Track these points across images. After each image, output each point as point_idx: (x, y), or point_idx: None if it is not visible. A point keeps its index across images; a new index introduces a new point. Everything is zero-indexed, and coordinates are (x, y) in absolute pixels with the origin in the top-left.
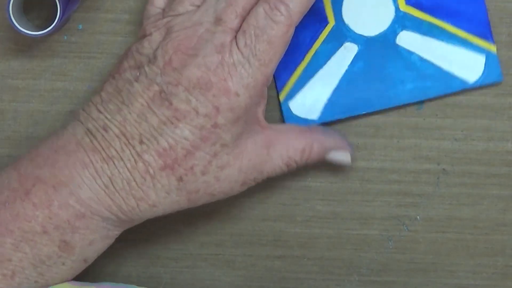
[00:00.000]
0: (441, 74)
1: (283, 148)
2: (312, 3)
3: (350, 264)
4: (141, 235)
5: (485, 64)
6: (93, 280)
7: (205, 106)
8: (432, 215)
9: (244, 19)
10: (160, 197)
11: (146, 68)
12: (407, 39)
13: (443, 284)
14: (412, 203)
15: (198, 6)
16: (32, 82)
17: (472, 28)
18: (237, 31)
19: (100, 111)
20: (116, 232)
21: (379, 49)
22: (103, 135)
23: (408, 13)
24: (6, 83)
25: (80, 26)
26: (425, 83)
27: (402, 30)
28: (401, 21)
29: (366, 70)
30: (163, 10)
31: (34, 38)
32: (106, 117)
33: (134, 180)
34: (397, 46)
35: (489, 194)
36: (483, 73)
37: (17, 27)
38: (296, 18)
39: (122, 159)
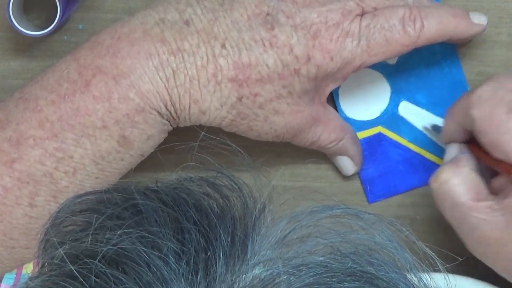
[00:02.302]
0: None
1: (319, 132)
2: (439, 41)
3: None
4: None
5: None
6: None
7: (301, 49)
8: (432, 215)
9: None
10: (213, 106)
11: None
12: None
13: None
14: (412, 203)
15: None
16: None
17: None
18: (364, 13)
19: (190, 4)
20: (170, 128)
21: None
22: (181, 28)
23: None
24: (6, 83)
25: (80, 26)
26: None
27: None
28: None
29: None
30: None
31: (34, 38)
32: (195, 12)
33: (198, 80)
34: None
35: None
36: None
37: (17, 27)
38: (421, 42)
39: (194, 54)
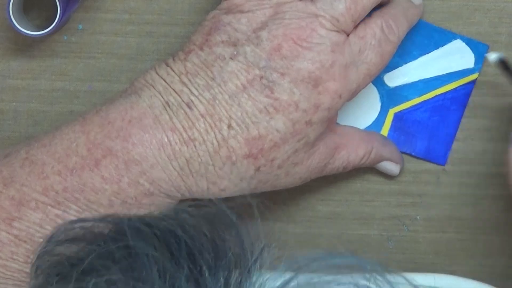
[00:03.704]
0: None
1: (346, 153)
2: (412, 24)
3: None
4: None
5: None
6: None
7: (307, 101)
8: (432, 215)
9: (355, 26)
10: (232, 183)
11: (247, 48)
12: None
13: None
14: (412, 203)
15: None
16: (32, 82)
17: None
18: (348, 35)
19: (184, 84)
20: (175, 203)
21: None
22: (185, 113)
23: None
24: (6, 83)
25: (80, 26)
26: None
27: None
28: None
29: None
30: None
31: (34, 38)
32: (192, 92)
33: (213, 165)
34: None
35: (489, 194)
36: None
37: (17, 27)
38: (400, 40)
39: (204, 142)
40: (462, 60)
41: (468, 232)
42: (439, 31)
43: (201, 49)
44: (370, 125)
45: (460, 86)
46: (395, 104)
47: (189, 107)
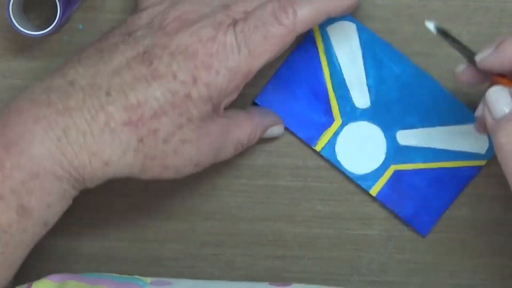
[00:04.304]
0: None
1: (235, 134)
2: (319, 22)
3: (350, 264)
4: (141, 235)
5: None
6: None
7: (184, 73)
8: None
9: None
10: (115, 154)
11: (138, 32)
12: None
13: (443, 284)
14: None
15: None
16: (32, 82)
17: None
18: (237, 21)
19: (73, 67)
20: (73, 193)
21: None
22: (66, 90)
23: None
24: (6, 83)
25: (80, 26)
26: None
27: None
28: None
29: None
30: None
31: (34, 38)
32: (78, 72)
33: (91, 133)
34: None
35: (489, 194)
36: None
37: (17, 27)
38: (300, 27)
39: (81, 109)
40: (476, 144)
41: (468, 232)
42: (464, 110)
43: (100, 40)
44: (368, 173)
45: (466, 167)
46: (399, 162)
47: (71, 84)
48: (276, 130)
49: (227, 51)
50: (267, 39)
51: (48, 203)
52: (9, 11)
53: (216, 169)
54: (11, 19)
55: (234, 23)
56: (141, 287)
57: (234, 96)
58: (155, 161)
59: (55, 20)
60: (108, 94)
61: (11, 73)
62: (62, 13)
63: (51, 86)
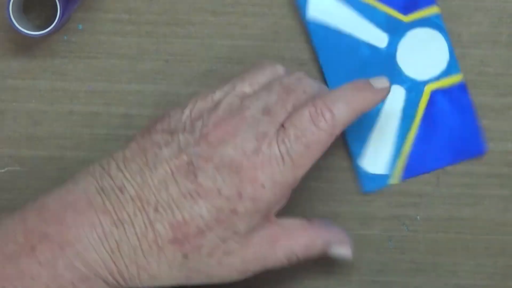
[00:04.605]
0: None
1: (287, 244)
2: (355, 120)
3: (350, 264)
4: None
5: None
6: None
7: (229, 188)
8: (432, 215)
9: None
10: (162, 270)
11: (181, 136)
12: None
13: (443, 284)
14: (412, 203)
15: (249, 94)
16: (32, 82)
17: None
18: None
19: (120, 169)
20: None
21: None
22: (117, 196)
23: None
24: (6, 83)
25: (80, 26)
26: None
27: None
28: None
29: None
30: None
31: (34, 38)
32: (125, 177)
33: (141, 248)
34: None
35: (489, 194)
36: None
37: (17, 27)
38: (339, 129)
39: (133, 224)
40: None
41: (468, 232)
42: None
43: (142, 136)
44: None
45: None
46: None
47: (121, 191)
48: (342, 250)
49: (272, 164)
50: (309, 148)
51: None
52: (9, 11)
53: None
54: (11, 19)
55: (277, 133)
56: None
57: (283, 203)
58: (200, 274)
59: (55, 20)
60: (156, 210)
61: (11, 73)
62: (62, 13)
63: (103, 188)
